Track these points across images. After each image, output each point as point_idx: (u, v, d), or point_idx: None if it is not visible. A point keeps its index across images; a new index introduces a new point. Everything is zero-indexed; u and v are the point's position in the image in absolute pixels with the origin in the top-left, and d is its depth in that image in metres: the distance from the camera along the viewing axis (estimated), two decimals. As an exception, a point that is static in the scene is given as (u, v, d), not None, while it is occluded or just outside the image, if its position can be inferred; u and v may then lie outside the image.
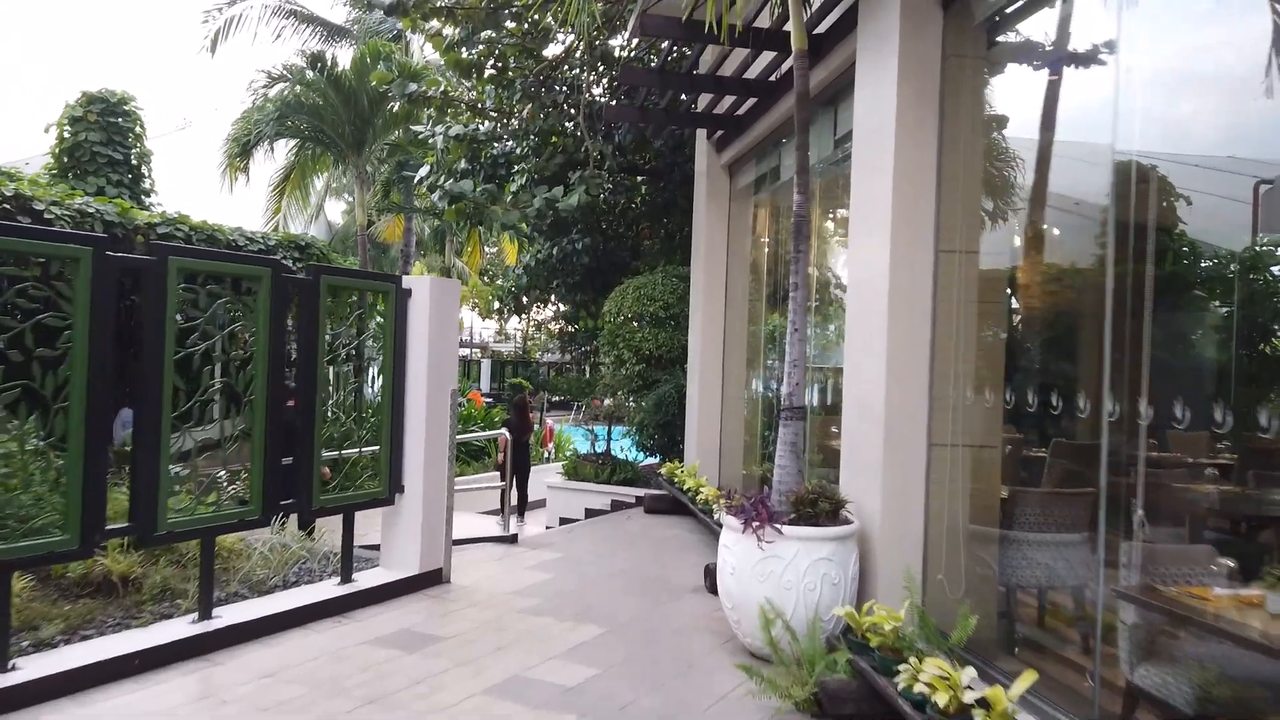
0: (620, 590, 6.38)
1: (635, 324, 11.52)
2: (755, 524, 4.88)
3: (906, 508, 5.09)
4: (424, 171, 11.57)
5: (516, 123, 10.78)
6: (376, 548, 6.63)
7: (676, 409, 10.79)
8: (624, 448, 11.74)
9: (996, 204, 5.15)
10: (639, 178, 14.51)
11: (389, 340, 6.11)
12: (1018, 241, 5.12)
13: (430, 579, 6.32)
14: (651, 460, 11.91)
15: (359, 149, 15.62)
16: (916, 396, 5.09)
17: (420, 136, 10.29)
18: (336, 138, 15.55)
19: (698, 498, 8.17)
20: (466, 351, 44.84)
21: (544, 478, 12.27)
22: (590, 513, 10.48)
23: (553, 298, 15.80)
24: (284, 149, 17.11)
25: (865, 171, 5.51)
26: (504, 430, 10.35)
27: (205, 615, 4.99)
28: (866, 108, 5.51)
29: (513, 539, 7.91)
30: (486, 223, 10.38)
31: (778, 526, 4.86)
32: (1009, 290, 5.13)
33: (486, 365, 44.73)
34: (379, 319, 6.11)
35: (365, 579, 6.01)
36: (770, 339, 9.04)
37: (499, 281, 17.78)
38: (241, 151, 16.00)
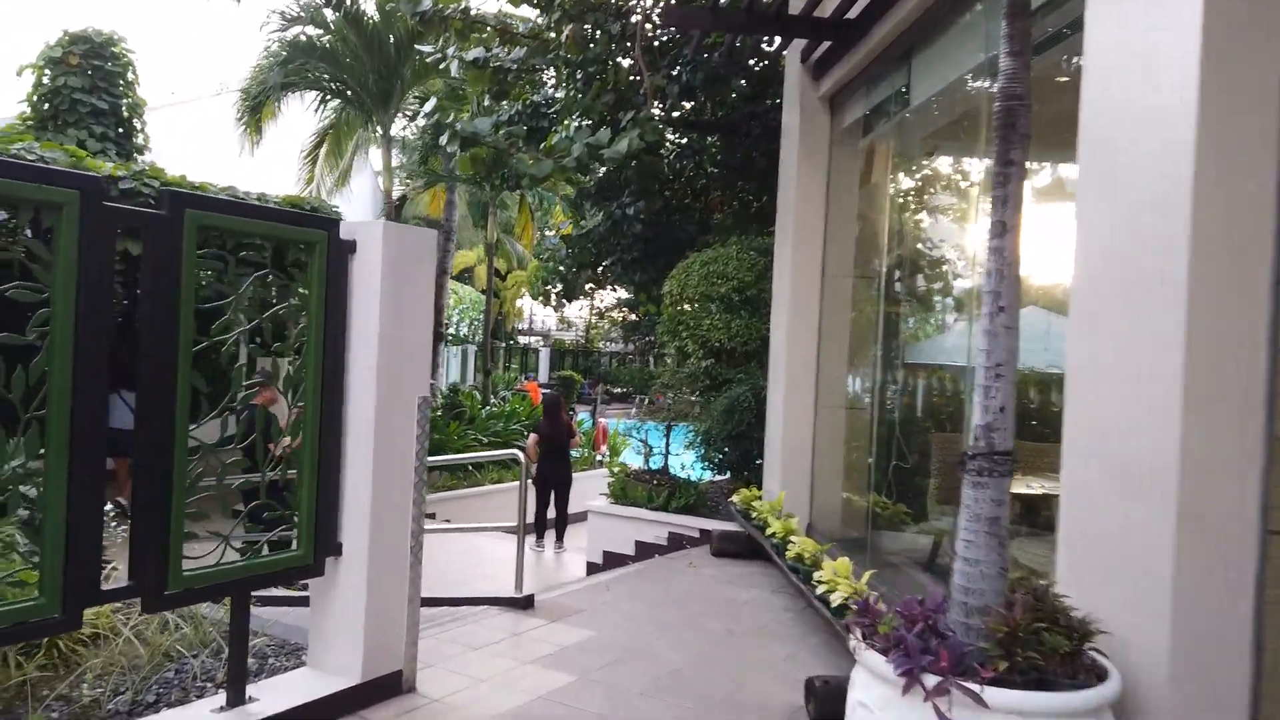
0: (674, 718, 4.08)
1: (702, 307, 9.19)
2: (935, 685, 2.53)
3: (1221, 646, 2.67)
4: (429, 106, 9.34)
5: (554, 54, 8.49)
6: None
7: (753, 417, 8.42)
8: (685, 465, 9.38)
9: None
10: (709, 137, 12.16)
11: (315, 318, 3.90)
12: None
13: (382, 689, 4.10)
14: (721, 477, 9.59)
15: (385, 103, 13.49)
16: (1237, 445, 2.66)
17: (429, 59, 8.07)
18: (359, 90, 13.45)
19: (787, 550, 5.82)
20: (527, 340, 43.09)
21: (589, 491, 10.08)
22: (641, 548, 8.19)
23: (609, 279, 13.60)
24: (299, 106, 15.00)
25: (1121, 23, 3.08)
26: (524, 447, 8.02)
27: (-59, 793, 2.87)
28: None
29: (527, 602, 5.67)
30: (510, 177, 8.11)
31: (974, 688, 2.51)
32: None
33: (545, 354, 42.88)
34: (300, 286, 3.90)
35: (271, 695, 3.80)
36: (889, 328, 6.62)
37: (546, 259, 15.59)
38: (253, 107, 14.02)
